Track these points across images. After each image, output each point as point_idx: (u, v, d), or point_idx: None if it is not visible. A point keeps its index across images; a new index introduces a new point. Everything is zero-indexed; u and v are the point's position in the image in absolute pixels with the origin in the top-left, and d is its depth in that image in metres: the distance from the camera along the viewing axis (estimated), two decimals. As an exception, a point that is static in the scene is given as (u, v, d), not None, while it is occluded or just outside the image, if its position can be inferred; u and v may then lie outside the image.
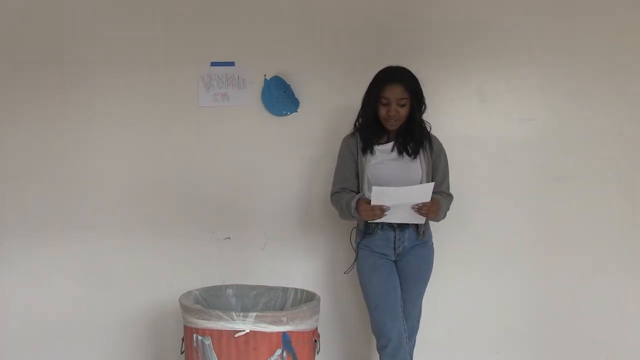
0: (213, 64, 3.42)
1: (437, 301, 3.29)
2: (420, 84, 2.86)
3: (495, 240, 3.36)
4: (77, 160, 3.45)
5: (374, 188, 2.70)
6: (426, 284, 2.97)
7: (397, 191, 2.71)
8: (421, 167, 2.88)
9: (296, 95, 3.39)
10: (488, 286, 3.36)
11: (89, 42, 3.44)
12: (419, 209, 2.75)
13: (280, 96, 3.39)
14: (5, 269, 3.46)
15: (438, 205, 2.81)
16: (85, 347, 3.45)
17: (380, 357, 2.88)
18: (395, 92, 2.80)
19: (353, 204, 2.81)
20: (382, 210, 2.73)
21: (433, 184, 2.76)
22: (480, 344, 3.38)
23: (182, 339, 2.83)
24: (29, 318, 3.45)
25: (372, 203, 2.72)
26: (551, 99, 3.35)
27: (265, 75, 3.40)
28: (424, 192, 2.74)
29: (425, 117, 2.95)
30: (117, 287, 3.44)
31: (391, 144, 2.90)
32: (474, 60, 3.35)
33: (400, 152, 2.89)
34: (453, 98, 3.36)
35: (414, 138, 2.88)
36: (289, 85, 3.39)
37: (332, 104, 3.37)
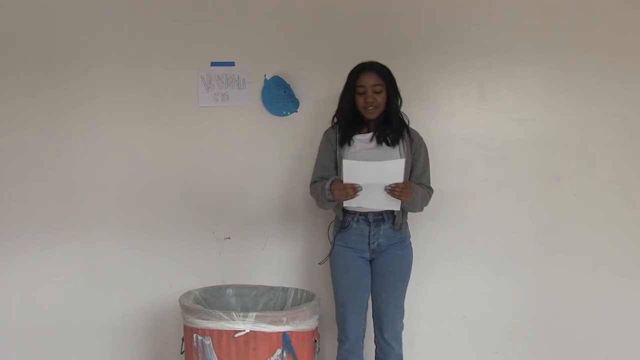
0: (213, 64, 3.42)
1: (437, 301, 3.29)
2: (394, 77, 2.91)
3: (495, 240, 3.35)
4: (77, 161, 3.45)
5: (344, 161, 2.74)
6: (407, 284, 2.96)
7: (367, 166, 2.74)
8: (400, 156, 2.88)
9: (296, 95, 3.39)
10: (488, 286, 3.36)
11: (88, 42, 3.44)
12: (392, 190, 2.74)
13: (280, 96, 3.39)
14: (6, 269, 3.46)
15: (411, 188, 2.79)
16: (85, 347, 3.45)
17: (338, 347, 2.97)
18: (369, 79, 2.86)
19: (327, 185, 2.83)
20: (354, 189, 2.73)
21: (404, 160, 2.78)
22: (480, 344, 3.38)
23: (182, 339, 2.83)
24: (29, 318, 3.46)
25: (345, 180, 2.73)
26: (551, 99, 3.35)
27: (265, 75, 3.40)
28: (395, 169, 2.74)
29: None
30: (117, 287, 3.44)
31: (370, 134, 2.93)
32: (474, 60, 3.35)
33: (379, 142, 2.90)
34: (452, 97, 3.36)
35: (393, 128, 2.91)
36: (289, 85, 3.39)
37: (332, 104, 3.35)
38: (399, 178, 2.74)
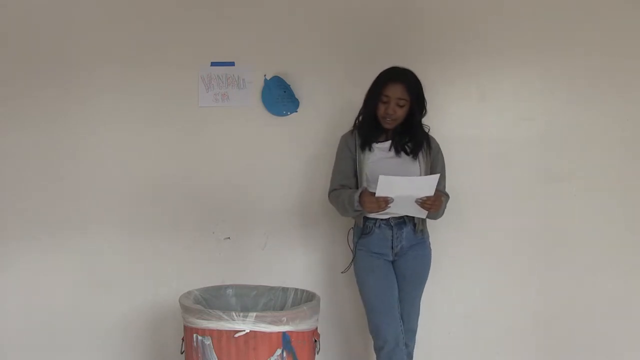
0: (213, 64, 3.42)
1: (437, 301, 3.29)
2: (423, 89, 2.87)
3: (495, 240, 3.36)
4: (77, 161, 3.45)
5: (381, 177, 2.65)
6: (424, 284, 2.97)
7: (404, 181, 2.70)
8: (419, 165, 2.88)
9: (296, 95, 3.39)
10: (488, 287, 3.36)
11: (88, 42, 3.44)
12: (423, 202, 2.73)
13: (280, 96, 3.39)
14: (6, 270, 3.46)
15: (441, 200, 2.80)
16: (85, 347, 3.45)
17: (377, 358, 2.89)
18: (395, 91, 2.81)
19: (356, 197, 2.78)
20: (386, 202, 2.70)
21: (438, 175, 2.74)
22: (480, 344, 3.38)
23: (182, 339, 2.83)
24: (29, 318, 3.45)
25: (378, 194, 2.68)
26: (551, 99, 3.35)
27: (265, 75, 3.40)
28: (429, 184, 2.72)
29: (425, 116, 2.95)
30: (118, 287, 3.44)
31: (389, 142, 2.91)
32: (474, 60, 3.35)
33: (397, 151, 2.89)
34: (453, 98, 3.36)
35: (412, 139, 2.89)
36: (289, 85, 3.39)
37: (332, 104, 3.37)
38: (431, 192, 2.72)
